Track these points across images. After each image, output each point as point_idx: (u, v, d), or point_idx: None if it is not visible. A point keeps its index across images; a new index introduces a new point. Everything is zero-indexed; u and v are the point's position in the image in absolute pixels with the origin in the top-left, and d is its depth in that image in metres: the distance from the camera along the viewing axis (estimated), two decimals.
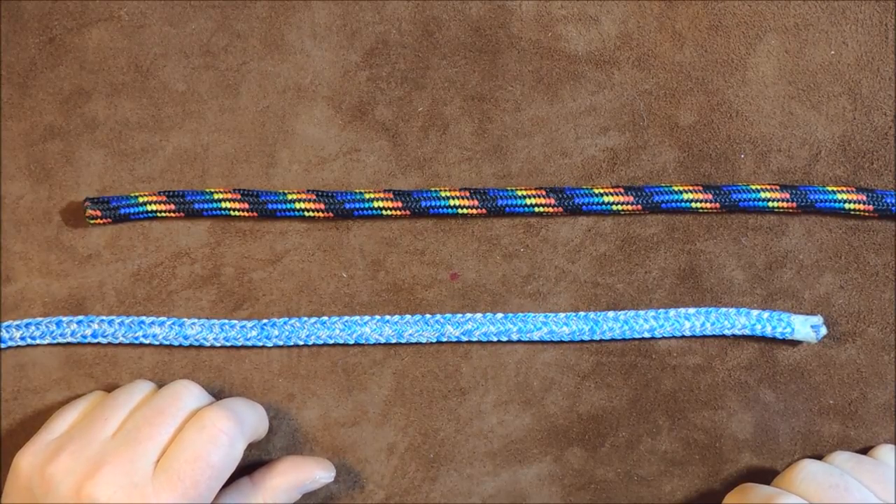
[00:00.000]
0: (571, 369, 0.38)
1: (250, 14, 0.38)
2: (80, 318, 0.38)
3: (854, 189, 0.37)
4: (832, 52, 0.37)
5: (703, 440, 0.38)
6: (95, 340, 0.38)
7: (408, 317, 0.38)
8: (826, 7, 0.37)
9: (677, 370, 0.38)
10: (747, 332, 0.37)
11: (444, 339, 0.38)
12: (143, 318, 0.38)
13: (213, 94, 0.38)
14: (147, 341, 0.38)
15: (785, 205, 0.37)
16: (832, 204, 0.37)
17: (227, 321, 0.38)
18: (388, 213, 0.37)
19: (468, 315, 0.38)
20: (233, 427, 0.34)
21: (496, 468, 0.39)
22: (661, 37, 0.38)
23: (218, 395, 0.38)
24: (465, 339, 0.38)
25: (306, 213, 0.37)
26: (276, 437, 0.39)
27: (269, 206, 0.37)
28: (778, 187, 0.37)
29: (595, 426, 0.38)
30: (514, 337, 0.38)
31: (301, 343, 0.38)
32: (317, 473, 0.37)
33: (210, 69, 0.38)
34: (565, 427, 0.38)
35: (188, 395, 0.35)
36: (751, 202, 0.37)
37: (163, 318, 0.38)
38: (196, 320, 0.38)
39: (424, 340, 0.38)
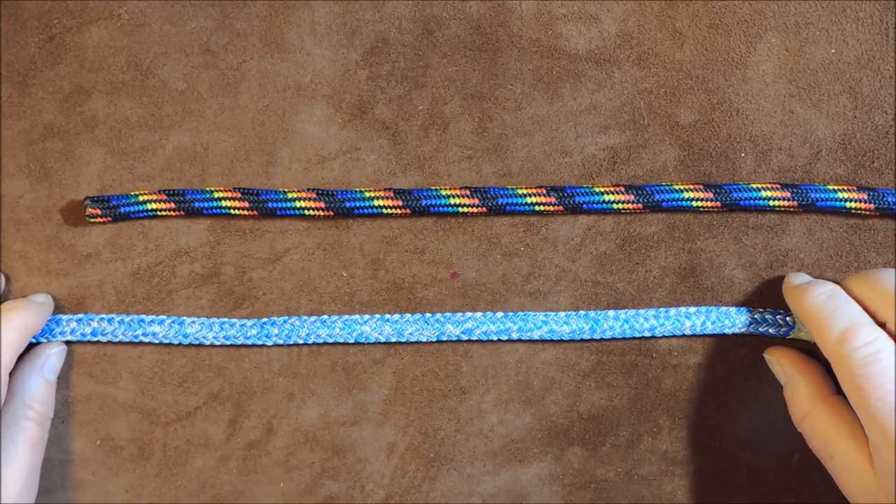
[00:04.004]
0: (572, 368, 0.38)
1: (250, 13, 0.38)
2: (80, 316, 0.38)
3: (855, 188, 0.37)
4: (833, 51, 0.37)
5: (704, 440, 0.38)
6: (95, 339, 0.38)
7: (408, 316, 0.38)
8: (826, 5, 0.37)
9: (678, 369, 0.38)
10: (748, 331, 0.37)
11: (445, 339, 0.38)
12: (143, 316, 0.38)
13: (213, 93, 0.38)
14: (147, 340, 0.38)
15: (785, 203, 0.37)
16: (833, 203, 0.37)
17: (226, 320, 0.38)
18: (389, 211, 0.37)
19: (468, 314, 0.38)
20: None
21: (496, 467, 0.39)
22: (661, 35, 0.38)
23: (217, 394, 0.38)
24: (465, 338, 0.38)
25: (306, 212, 0.37)
26: (276, 437, 0.39)
27: (269, 204, 0.37)
28: (778, 186, 0.37)
29: (595, 425, 0.38)
30: (515, 336, 0.38)
31: (301, 342, 0.38)
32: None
33: (210, 68, 0.38)
34: (566, 426, 0.38)
35: None
36: (751, 201, 0.37)
37: (162, 317, 0.38)
38: (196, 319, 0.38)
39: (424, 339, 0.38)
